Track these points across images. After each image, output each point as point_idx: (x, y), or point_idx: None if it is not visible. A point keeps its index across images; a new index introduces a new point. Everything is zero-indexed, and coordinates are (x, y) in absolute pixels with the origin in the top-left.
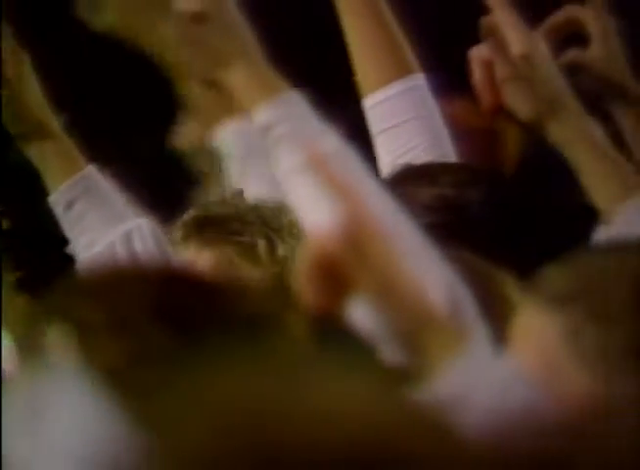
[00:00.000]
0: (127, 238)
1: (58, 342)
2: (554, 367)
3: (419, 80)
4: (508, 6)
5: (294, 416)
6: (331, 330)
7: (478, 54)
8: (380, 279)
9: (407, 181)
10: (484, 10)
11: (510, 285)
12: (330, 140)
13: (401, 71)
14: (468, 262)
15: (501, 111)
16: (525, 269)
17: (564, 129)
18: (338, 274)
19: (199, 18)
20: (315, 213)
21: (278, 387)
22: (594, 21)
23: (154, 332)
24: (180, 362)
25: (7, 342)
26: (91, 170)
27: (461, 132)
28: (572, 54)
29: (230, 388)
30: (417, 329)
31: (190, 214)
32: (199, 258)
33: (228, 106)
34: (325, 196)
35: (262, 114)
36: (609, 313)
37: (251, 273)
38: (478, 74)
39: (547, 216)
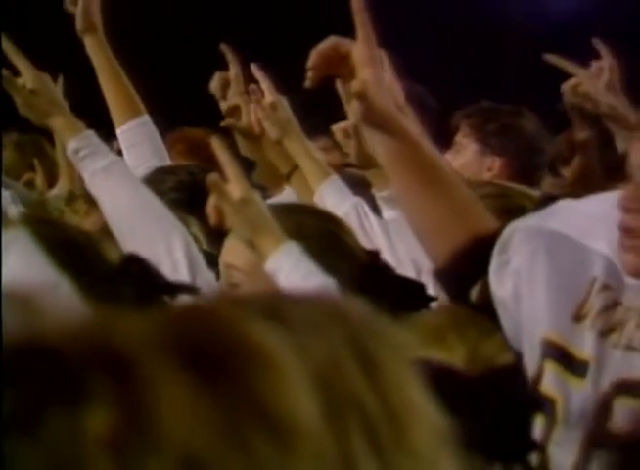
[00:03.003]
0: None
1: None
2: (253, 270)
3: (146, 117)
4: (261, 71)
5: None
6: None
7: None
8: None
9: (158, 174)
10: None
11: (198, 227)
12: (110, 154)
13: (135, 113)
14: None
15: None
16: None
17: (293, 145)
18: None
19: (33, 92)
20: (105, 194)
21: None
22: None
23: None
24: None
25: None
26: None
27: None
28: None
29: None
30: None
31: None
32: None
33: None
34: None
35: (72, 143)
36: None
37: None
38: (252, 115)
39: None
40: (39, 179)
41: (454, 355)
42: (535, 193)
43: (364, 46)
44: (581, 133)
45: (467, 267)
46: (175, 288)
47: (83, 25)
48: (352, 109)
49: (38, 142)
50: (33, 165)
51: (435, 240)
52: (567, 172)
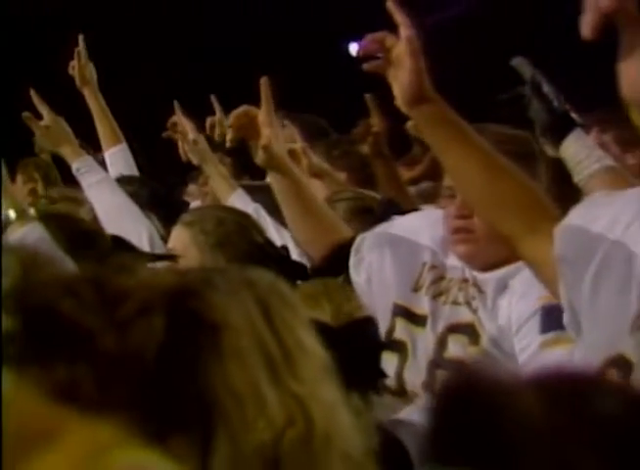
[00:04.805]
0: None
1: None
2: (185, 251)
3: (124, 145)
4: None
5: None
6: None
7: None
8: None
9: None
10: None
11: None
12: (101, 169)
13: (118, 140)
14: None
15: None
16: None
17: (209, 168)
18: None
19: (48, 128)
20: (98, 199)
21: None
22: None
23: None
24: None
25: None
26: None
27: None
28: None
29: None
30: None
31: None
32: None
33: None
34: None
35: (75, 163)
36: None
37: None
38: (180, 147)
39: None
40: (40, 187)
41: (324, 313)
42: (378, 196)
43: (266, 113)
44: (377, 121)
45: (333, 266)
46: (156, 257)
47: (80, 82)
48: (258, 155)
49: (40, 162)
50: (34, 178)
51: (312, 248)
52: (364, 148)
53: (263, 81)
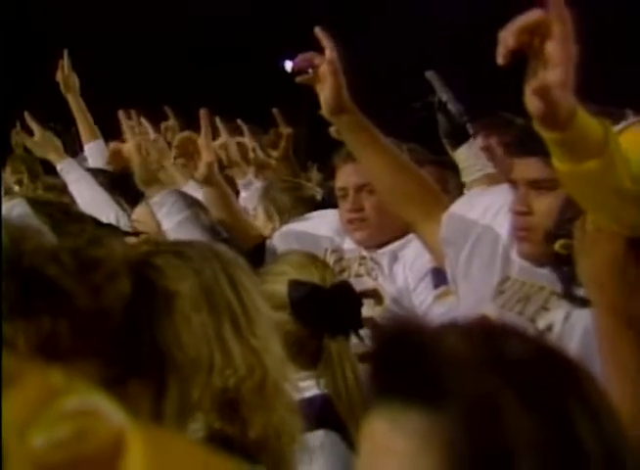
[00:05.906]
0: None
1: None
2: (145, 221)
3: (100, 140)
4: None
5: None
6: None
7: None
8: None
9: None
10: None
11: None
12: (79, 167)
13: (95, 136)
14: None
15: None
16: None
17: (167, 163)
18: None
19: (37, 141)
20: (77, 191)
21: None
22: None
23: None
24: None
25: None
26: None
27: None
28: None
29: None
30: None
31: None
32: None
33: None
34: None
35: (59, 165)
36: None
37: None
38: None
39: None
40: (25, 178)
41: (314, 278)
42: (311, 185)
43: (205, 137)
44: (285, 129)
45: (256, 258)
46: (125, 233)
47: (64, 89)
48: (199, 171)
49: (25, 157)
50: (21, 170)
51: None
52: (274, 153)
53: (202, 112)
